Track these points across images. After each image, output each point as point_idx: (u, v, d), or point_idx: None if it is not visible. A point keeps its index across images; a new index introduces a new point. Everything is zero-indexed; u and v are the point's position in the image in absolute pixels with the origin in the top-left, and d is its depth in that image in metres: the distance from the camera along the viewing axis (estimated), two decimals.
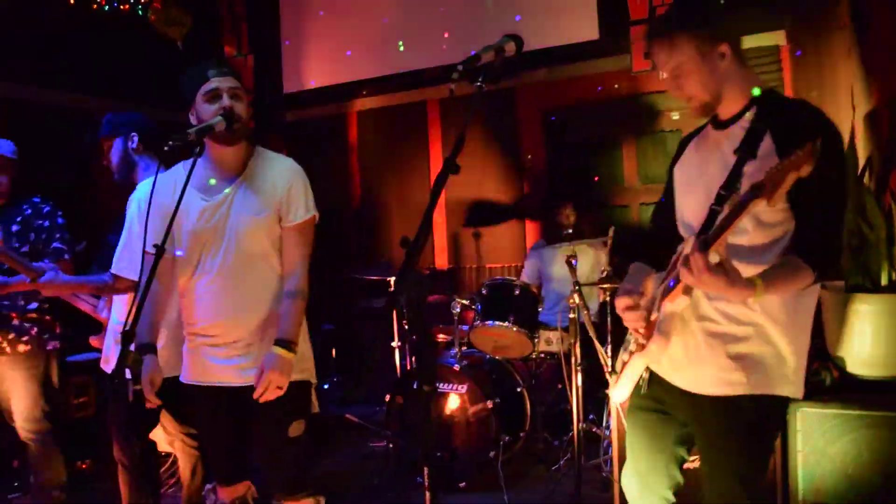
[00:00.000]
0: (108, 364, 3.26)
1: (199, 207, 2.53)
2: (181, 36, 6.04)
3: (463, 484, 4.15)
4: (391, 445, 4.37)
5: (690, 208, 2.19)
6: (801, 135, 1.85)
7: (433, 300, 5.27)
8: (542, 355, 4.58)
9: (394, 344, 4.87)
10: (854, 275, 3.13)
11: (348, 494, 4.19)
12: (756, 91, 2.07)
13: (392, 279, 4.79)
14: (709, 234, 1.85)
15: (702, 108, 2.09)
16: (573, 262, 3.79)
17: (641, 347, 2.19)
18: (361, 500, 4.15)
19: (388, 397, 4.40)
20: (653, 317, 2.16)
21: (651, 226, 2.52)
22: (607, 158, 5.64)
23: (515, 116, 5.89)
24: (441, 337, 4.87)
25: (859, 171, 3.21)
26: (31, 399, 3.92)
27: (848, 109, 3.81)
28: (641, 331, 2.20)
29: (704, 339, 2.09)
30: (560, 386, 4.61)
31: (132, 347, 2.12)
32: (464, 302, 4.51)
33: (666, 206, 2.35)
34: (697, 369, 2.11)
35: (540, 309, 4.43)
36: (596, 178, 5.63)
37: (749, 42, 4.84)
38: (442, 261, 6.17)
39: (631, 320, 2.20)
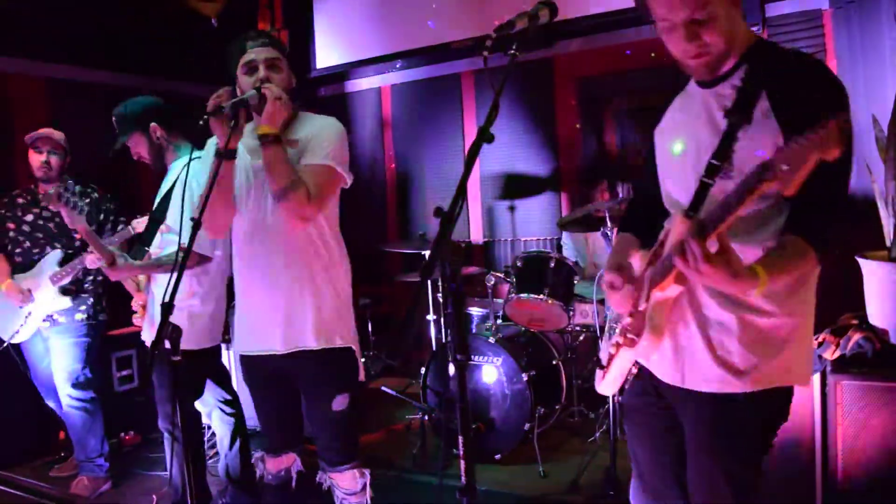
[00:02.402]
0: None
1: (249, 169, 2.56)
2: (216, 12, 6.05)
3: (498, 456, 4.18)
4: (427, 418, 4.41)
5: (676, 178, 1.96)
6: (803, 95, 1.67)
7: (468, 273, 5.28)
8: (578, 328, 4.57)
9: (429, 317, 4.88)
10: None
11: (386, 467, 4.23)
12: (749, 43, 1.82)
13: (427, 252, 4.80)
14: (706, 216, 1.58)
15: (713, 63, 1.79)
16: (609, 233, 3.77)
17: (630, 342, 1.92)
18: (400, 472, 4.19)
19: (423, 370, 4.43)
20: (641, 306, 1.89)
21: (635, 195, 2.33)
22: (644, 129, 5.55)
23: (551, 87, 5.82)
24: (476, 310, 4.88)
25: None
26: (76, 366, 4.06)
27: (892, 73, 3.72)
28: (629, 318, 1.94)
29: (697, 330, 1.85)
30: (596, 358, 4.60)
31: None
32: (499, 275, 4.51)
33: (649, 173, 2.10)
34: (690, 363, 1.88)
35: (576, 281, 4.41)
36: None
37: (791, 6, 4.73)
38: (476, 234, 6.16)
39: (615, 303, 1.99)
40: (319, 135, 2.51)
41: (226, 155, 2.36)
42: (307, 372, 2.58)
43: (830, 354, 3.05)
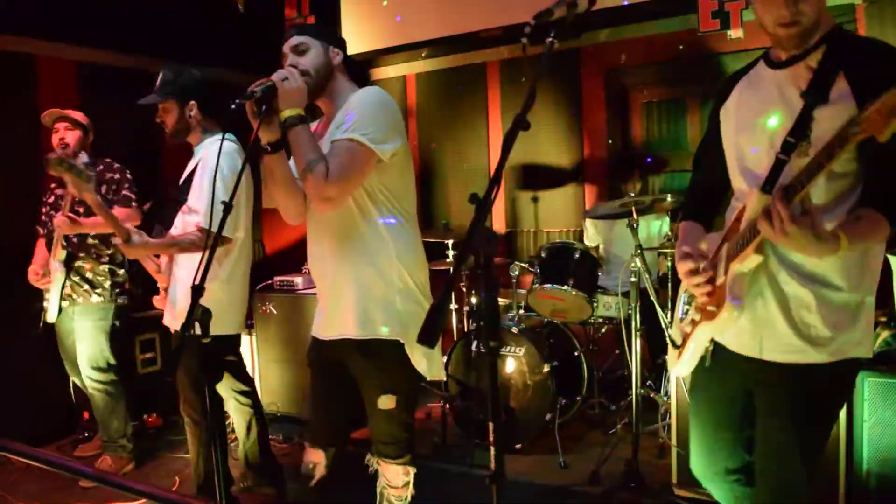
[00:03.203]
0: (173, 320, 3.34)
1: None
2: None
3: (519, 446, 4.19)
4: (448, 406, 4.42)
5: (750, 157, 2.02)
6: (882, 75, 1.70)
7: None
8: (601, 320, 4.56)
9: (451, 306, 4.88)
10: None
11: None
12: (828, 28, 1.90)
13: (450, 241, 4.80)
14: (792, 181, 1.71)
15: (802, 34, 1.87)
16: (634, 225, 3.75)
17: (710, 315, 2.04)
18: (420, 460, 4.19)
19: (445, 358, 4.44)
20: (719, 281, 2.01)
21: (696, 179, 2.37)
22: (671, 121, 5.52)
23: (577, 77, 5.79)
24: (499, 300, 4.87)
25: None
26: (97, 348, 4.10)
27: None
28: (707, 297, 2.05)
29: (776, 304, 1.96)
30: (618, 351, 4.59)
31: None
32: (523, 265, 4.50)
33: (711, 155, 2.20)
34: (765, 334, 1.99)
35: (600, 273, 4.40)
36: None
37: None
38: (499, 224, 6.15)
39: (695, 285, 2.07)
40: (349, 108, 2.41)
41: (269, 149, 2.36)
42: (354, 362, 2.51)
43: None
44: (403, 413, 2.52)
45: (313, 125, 2.57)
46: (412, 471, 2.59)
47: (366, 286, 2.46)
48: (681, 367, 2.25)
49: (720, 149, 2.15)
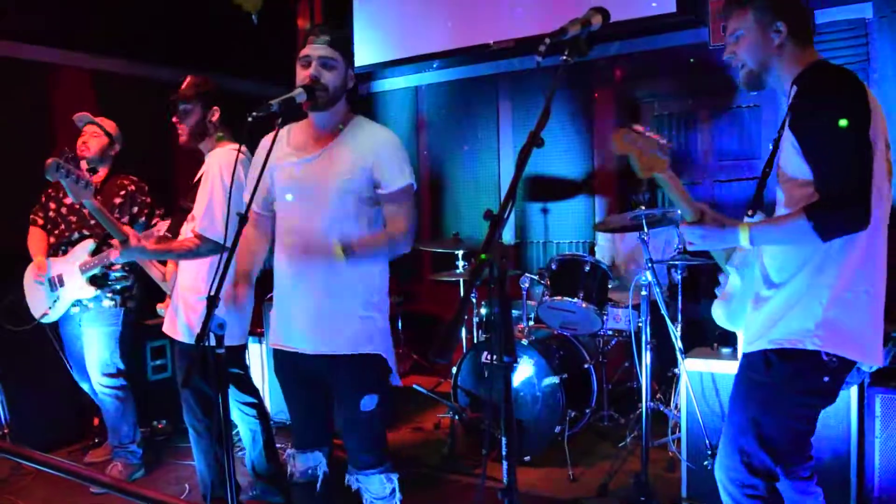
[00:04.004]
0: (173, 327, 3.35)
1: (293, 167, 2.55)
2: (256, 9, 6.11)
3: (528, 458, 4.18)
4: (458, 417, 4.42)
5: None
6: (806, 101, 2.05)
7: None
8: (611, 332, 4.56)
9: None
10: None
11: (415, 465, 4.25)
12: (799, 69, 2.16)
13: (460, 252, 4.80)
14: None
15: (748, 78, 2.21)
16: (646, 238, 3.75)
17: None
18: (429, 470, 4.21)
19: (454, 369, 4.44)
20: None
21: None
22: (681, 134, 5.53)
23: (588, 90, 5.81)
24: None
25: None
26: (107, 354, 4.10)
27: None
28: None
29: (752, 305, 2.28)
30: (628, 364, 4.59)
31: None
32: (533, 277, 4.51)
33: None
34: (747, 331, 2.31)
35: (610, 285, 4.40)
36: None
37: (835, 15, 4.68)
38: (509, 236, 6.16)
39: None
40: (386, 152, 2.54)
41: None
42: (335, 375, 2.56)
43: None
44: (382, 418, 2.62)
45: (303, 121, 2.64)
46: (395, 477, 2.64)
47: (352, 304, 2.54)
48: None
49: None
